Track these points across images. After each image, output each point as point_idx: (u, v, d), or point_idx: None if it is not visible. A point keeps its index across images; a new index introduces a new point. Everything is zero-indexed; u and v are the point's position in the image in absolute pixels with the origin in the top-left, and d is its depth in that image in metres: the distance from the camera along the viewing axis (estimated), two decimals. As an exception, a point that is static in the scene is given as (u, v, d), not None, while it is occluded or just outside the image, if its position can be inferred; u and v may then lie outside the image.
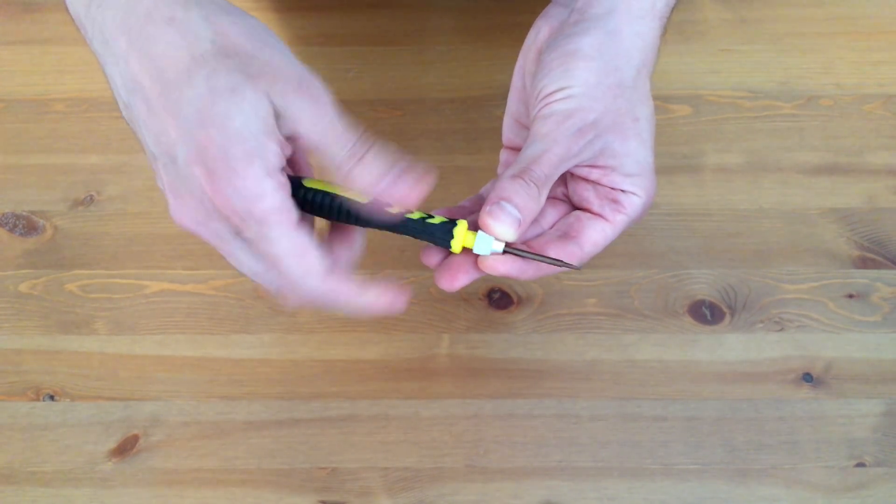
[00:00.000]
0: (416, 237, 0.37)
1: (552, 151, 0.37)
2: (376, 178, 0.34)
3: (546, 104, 0.37)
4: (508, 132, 0.43)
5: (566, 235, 0.38)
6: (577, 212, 0.39)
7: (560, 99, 0.37)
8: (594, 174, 0.38)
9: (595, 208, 0.39)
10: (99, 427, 0.47)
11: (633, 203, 0.38)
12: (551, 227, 0.40)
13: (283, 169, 0.34)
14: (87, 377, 0.49)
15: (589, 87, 0.37)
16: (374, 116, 0.57)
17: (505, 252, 0.37)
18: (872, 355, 0.49)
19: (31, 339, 0.50)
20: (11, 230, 0.53)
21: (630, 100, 0.38)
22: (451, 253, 0.38)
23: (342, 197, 0.35)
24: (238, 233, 0.34)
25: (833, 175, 0.54)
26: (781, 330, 0.49)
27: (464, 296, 0.51)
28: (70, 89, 0.58)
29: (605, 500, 0.45)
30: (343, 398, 0.48)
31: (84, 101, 0.58)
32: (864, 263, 0.51)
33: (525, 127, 0.42)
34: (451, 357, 0.49)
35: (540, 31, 0.41)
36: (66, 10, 0.39)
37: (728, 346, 0.49)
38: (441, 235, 0.37)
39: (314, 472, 0.46)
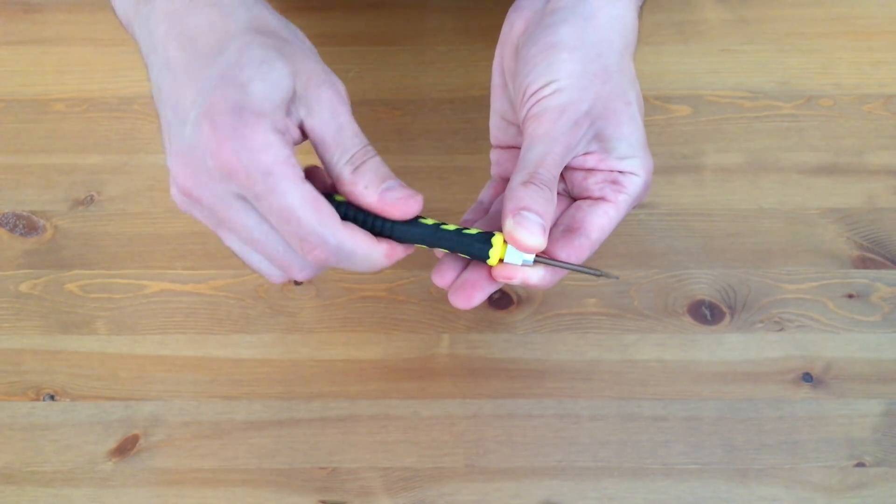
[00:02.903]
0: (450, 250, 0.37)
1: (554, 151, 0.36)
2: (370, 187, 0.34)
3: (536, 101, 0.37)
4: (496, 131, 0.43)
5: (571, 229, 0.38)
6: (578, 202, 0.39)
7: (549, 94, 0.37)
8: (590, 161, 0.38)
9: (595, 193, 0.38)
10: (99, 427, 0.47)
11: (634, 182, 0.38)
12: (554, 224, 0.39)
13: (290, 136, 0.34)
14: (88, 377, 0.49)
15: (576, 77, 0.37)
16: (374, 116, 0.57)
17: (536, 262, 0.36)
18: (872, 355, 0.49)
19: (32, 339, 0.50)
20: (11, 230, 0.53)
21: (619, 84, 0.37)
22: (463, 271, 0.38)
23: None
24: (242, 194, 0.33)
25: (833, 175, 0.54)
26: (781, 330, 0.49)
27: (464, 296, 0.51)
28: (70, 89, 0.58)
29: (605, 499, 0.45)
30: (343, 398, 0.48)
31: (84, 101, 0.58)
32: (863, 263, 0.51)
33: (512, 124, 0.42)
34: (451, 357, 0.49)
35: (514, 24, 0.40)
36: (114, 12, 0.40)
37: (728, 346, 0.49)
38: (479, 247, 0.36)
39: (314, 472, 0.46)
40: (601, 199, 0.38)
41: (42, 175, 0.55)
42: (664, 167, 0.54)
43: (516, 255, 0.36)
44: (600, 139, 0.37)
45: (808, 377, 0.48)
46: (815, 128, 0.56)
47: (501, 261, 0.37)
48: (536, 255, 0.36)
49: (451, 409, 0.48)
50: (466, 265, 0.39)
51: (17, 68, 0.59)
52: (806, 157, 0.55)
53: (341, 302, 0.51)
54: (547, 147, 0.36)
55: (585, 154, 0.38)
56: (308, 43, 0.37)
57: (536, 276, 0.37)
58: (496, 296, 0.51)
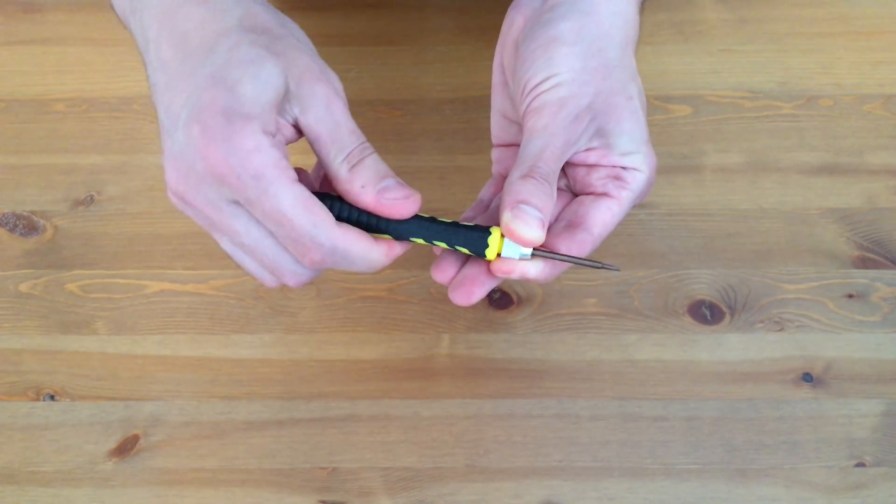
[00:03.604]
0: (448, 245, 0.37)
1: (553, 144, 0.36)
2: (367, 186, 0.34)
3: (535, 96, 0.37)
4: (497, 129, 0.43)
5: (573, 224, 0.38)
6: (580, 197, 0.39)
7: (549, 89, 0.37)
8: (592, 157, 0.38)
9: (598, 189, 0.38)
10: (99, 427, 0.47)
11: (637, 178, 0.37)
12: (556, 220, 0.39)
13: (280, 136, 0.33)
14: (88, 377, 0.49)
15: (575, 72, 0.36)
16: (374, 116, 0.57)
17: (533, 256, 0.36)
18: (872, 355, 0.49)
19: (32, 339, 0.50)
20: (11, 230, 0.53)
21: (620, 79, 0.37)
22: (462, 267, 0.38)
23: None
24: (234, 198, 0.33)
25: (833, 175, 0.54)
26: (781, 330, 0.49)
27: (464, 296, 0.51)
28: (70, 89, 0.58)
29: (605, 499, 0.45)
30: (343, 398, 0.48)
31: (84, 101, 0.58)
32: (863, 263, 0.51)
33: (513, 122, 0.42)
34: (451, 357, 0.49)
35: (514, 22, 0.40)
36: (113, 10, 0.39)
37: (728, 346, 0.49)
38: (476, 242, 0.36)
39: (314, 472, 0.46)
40: (604, 194, 0.38)
41: (42, 175, 0.55)
42: (664, 167, 0.54)
43: (514, 248, 0.36)
44: (602, 135, 0.37)
45: (808, 377, 0.48)
46: (815, 128, 0.56)
47: (500, 256, 0.36)
48: (535, 249, 0.36)
49: (451, 409, 0.48)
50: (466, 261, 0.39)
51: (17, 68, 0.59)
52: (806, 157, 0.55)
53: (341, 302, 0.51)
54: (546, 141, 0.36)
55: (587, 150, 0.37)
56: (304, 37, 0.36)
57: (535, 269, 0.36)
58: (496, 296, 0.51)
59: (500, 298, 0.51)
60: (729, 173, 0.54)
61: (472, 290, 0.37)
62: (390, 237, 0.36)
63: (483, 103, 0.49)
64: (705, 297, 0.51)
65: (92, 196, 0.54)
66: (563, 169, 0.39)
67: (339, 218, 0.35)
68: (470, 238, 0.36)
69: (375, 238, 0.35)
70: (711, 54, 0.59)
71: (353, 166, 0.34)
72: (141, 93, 0.58)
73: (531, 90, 0.37)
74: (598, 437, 0.47)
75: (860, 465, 0.46)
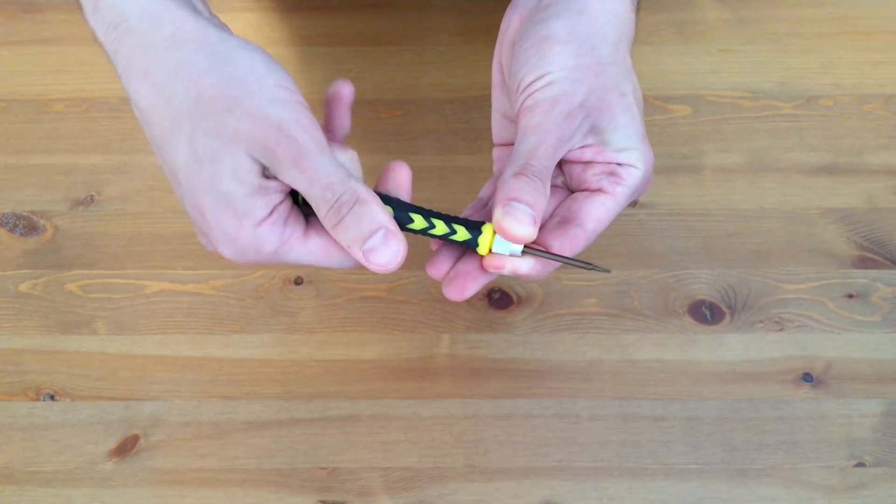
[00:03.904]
0: (442, 239, 0.37)
1: (546, 142, 0.36)
2: (353, 246, 0.34)
3: (529, 94, 0.37)
4: (498, 129, 0.43)
5: (566, 220, 0.38)
6: (575, 193, 0.39)
7: (542, 87, 0.37)
8: (587, 154, 0.38)
9: (593, 185, 0.38)
10: (99, 427, 0.47)
11: (632, 174, 0.37)
12: (550, 216, 0.39)
13: (277, 211, 0.35)
14: (88, 377, 0.49)
15: (568, 69, 0.36)
16: (374, 116, 0.57)
17: (524, 253, 0.36)
18: (872, 355, 0.49)
19: (32, 339, 0.50)
20: (11, 230, 0.53)
21: (613, 76, 0.37)
22: (457, 262, 0.38)
23: None
24: None
25: (833, 175, 0.54)
26: (781, 330, 0.49)
27: (464, 296, 0.51)
28: (70, 89, 0.58)
29: (605, 500, 0.45)
30: (343, 398, 0.48)
31: (84, 101, 0.58)
32: (863, 263, 0.51)
33: (512, 121, 0.42)
34: (451, 357, 0.49)
35: (511, 22, 0.40)
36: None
37: (728, 346, 0.49)
38: (469, 236, 0.36)
39: (314, 472, 0.46)
40: (598, 190, 0.38)
41: (42, 175, 0.55)
42: (664, 167, 0.54)
43: (504, 244, 0.36)
44: (596, 132, 0.37)
45: (808, 377, 0.48)
46: (815, 128, 0.56)
47: (476, 256, 0.37)
48: (526, 246, 0.36)
49: (451, 409, 0.48)
50: (460, 258, 0.39)
51: (17, 68, 0.59)
52: (806, 157, 0.55)
53: (341, 302, 0.51)
54: (539, 138, 0.36)
55: (582, 147, 0.37)
56: (255, 81, 0.34)
57: (526, 265, 0.37)
58: (496, 296, 0.51)
59: (500, 298, 0.51)
60: (729, 173, 0.54)
61: (464, 284, 0.38)
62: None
63: (483, 103, 0.49)
64: (705, 297, 0.51)
65: (92, 196, 0.54)
66: (559, 166, 0.39)
67: None
68: (462, 233, 0.37)
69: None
70: (711, 54, 0.59)
71: (335, 225, 0.34)
72: (141, 93, 0.58)
73: (525, 88, 0.37)
74: (598, 437, 0.47)
75: (860, 465, 0.46)
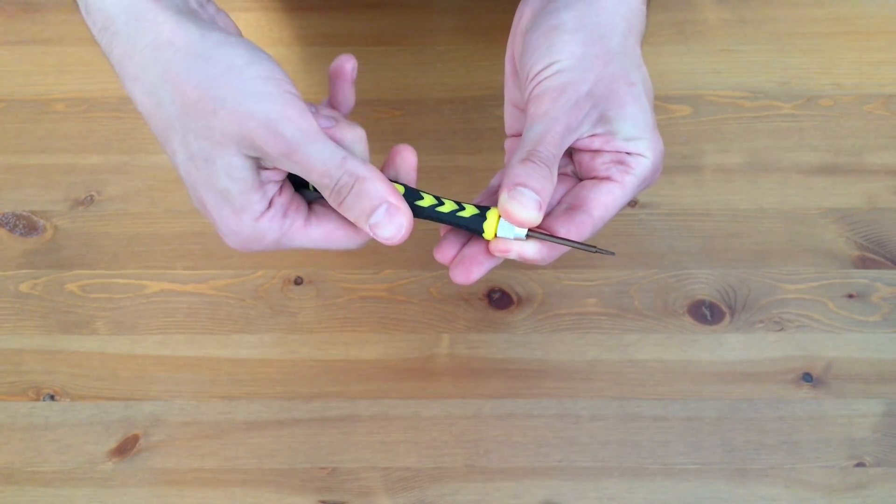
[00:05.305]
0: (448, 223, 0.37)
1: (553, 129, 0.36)
2: (359, 221, 0.35)
3: (537, 83, 0.37)
4: (510, 119, 0.43)
5: (573, 206, 0.38)
6: (583, 181, 0.39)
7: (550, 75, 0.37)
8: (596, 143, 0.38)
9: (602, 173, 0.38)
10: (99, 427, 0.47)
11: (641, 163, 0.37)
12: (558, 203, 0.39)
13: (276, 203, 0.35)
14: (88, 377, 0.49)
15: (576, 58, 0.37)
16: (374, 116, 0.57)
17: (528, 237, 0.36)
18: (872, 355, 0.49)
19: (32, 339, 0.50)
20: (11, 230, 0.53)
21: (622, 66, 0.37)
22: (463, 247, 0.38)
23: None
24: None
25: (833, 175, 0.54)
26: (781, 330, 0.49)
27: (464, 296, 0.51)
28: (70, 89, 0.58)
29: (605, 499, 0.45)
30: (343, 398, 0.48)
31: (84, 101, 0.58)
32: (863, 263, 0.51)
33: (523, 112, 0.42)
34: (451, 357, 0.49)
35: (522, 14, 0.40)
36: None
37: (728, 346, 0.49)
38: (474, 220, 0.37)
39: (314, 472, 0.46)
40: (606, 178, 0.38)
41: (42, 175, 0.55)
42: (664, 167, 0.54)
43: (509, 229, 0.36)
44: (604, 121, 0.37)
45: (808, 377, 0.48)
46: (815, 128, 0.56)
47: (483, 241, 0.37)
48: (530, 230, 0.36)
49: (451, 409, 0.48)
50: (466, 243, 0.39)
51: (17, 68, 0.59)
52: (806, 157, 0.55)
53: (341, 302, 0.51)
54: (546, 126, 0.36)
55: (591, 136, 0.37)
56: (238, 76, 0.33)
57: (532, 250, 0.37)
58: (496, 296, 0.51)
59: (500, 298, 0.51)
60: (729, 173, 0.54)
61: (470, 268, 0.38)
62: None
63: (483, 103, 0.49)
64: (705, 297, 0.51)
65: (92, 196, 0.54)
66: (569, 155, 0.39)
67: None
68: (468, 217, 0.37)
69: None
70: (711, 54, 0.59)
71: (339, 205, 0.35)
72: (141, 93, 0.58)
73: (533, 77, 0.37)
74: (598, 437, 0.47)
75: (860, 465, 0.46)
